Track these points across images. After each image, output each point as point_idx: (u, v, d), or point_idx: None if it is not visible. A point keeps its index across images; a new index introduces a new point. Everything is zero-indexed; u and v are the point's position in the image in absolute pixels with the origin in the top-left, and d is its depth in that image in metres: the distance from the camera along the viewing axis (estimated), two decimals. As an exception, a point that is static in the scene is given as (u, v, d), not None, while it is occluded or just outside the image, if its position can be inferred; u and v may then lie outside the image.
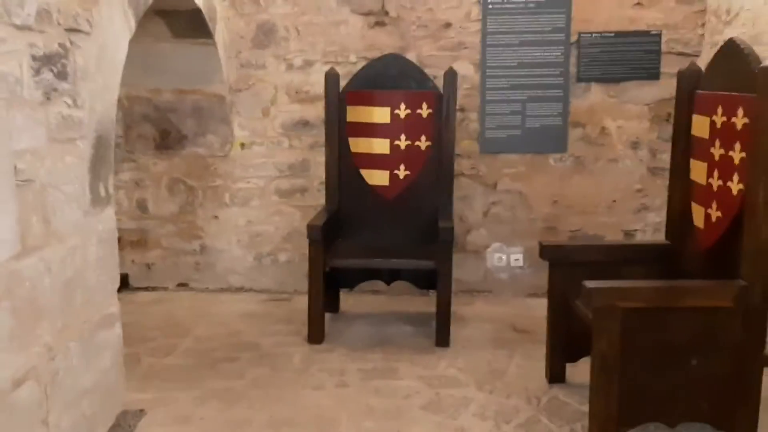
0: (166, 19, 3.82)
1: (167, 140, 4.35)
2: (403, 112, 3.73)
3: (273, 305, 4.18)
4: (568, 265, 2.86)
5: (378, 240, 3.77)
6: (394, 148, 3.74)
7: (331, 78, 3.75)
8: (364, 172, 3.78)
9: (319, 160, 4.10)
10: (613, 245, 3.55)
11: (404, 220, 3.80)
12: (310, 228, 3.35)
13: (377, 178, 3.78)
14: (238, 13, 4.20)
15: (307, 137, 4.30)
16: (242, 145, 4.35)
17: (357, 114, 3.75)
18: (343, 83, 3.78)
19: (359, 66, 3.90)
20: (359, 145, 3.77)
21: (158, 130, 4.34)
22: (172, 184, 4.42)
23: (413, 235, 3.76)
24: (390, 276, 3.77)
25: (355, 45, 4.18)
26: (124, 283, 4.44)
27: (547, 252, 2.93)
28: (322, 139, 3.91)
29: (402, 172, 3.76)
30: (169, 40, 3.97)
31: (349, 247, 3.65)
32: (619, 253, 3.01)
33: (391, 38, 4.15)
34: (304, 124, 4.29)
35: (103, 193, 2.56)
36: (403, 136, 3.74)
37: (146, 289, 4.51)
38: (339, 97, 3.75)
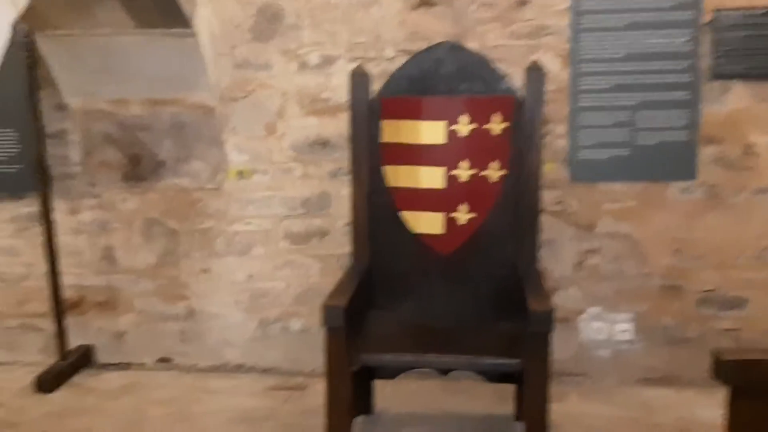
0: (124, 1, 2.69)
1: (138, 168, 3.22)
2: (464, 127, 2.53)
3: (280, 398, 3.00)
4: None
5: (429, 314, 2.57)
6: (451, 180, 2.54)
7: (359, 79, 2.56)
8: (407, 216, 2.58)
9: (343, 193, 2.93)
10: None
11: (467, 285, 2.59)
12: (329, 310, 2.15)
13: (426, 223, 2.58)
14: (230, -8, 3.05)
15: (327, 162, 3.13)
16: (240, 173, 3.19)
17: (396, 131, 2.56)
18: (376, 87, 2.59)
19: (398, 63, 2.69)
20: (399, 175, 2.58)
21: (126, 155, 3.21)
22: (148, 226, 3.29)
23: (481, 308, 2.55)
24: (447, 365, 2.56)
25: (392, 34, 3.00)
26: (88, 359, 3.33)
27: (728, 371, 1.68)
28: (346, 163, 2.72)
29: (463, 215, 2.56)
30: (132, 32, 2.84)
31: (386, 331, 2.45)
32: None
33: (442, 23, 2.96)
34: (323, 144, 3.12)
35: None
36: (464, 163, 2.54)
37: (117, 365, 3.38)
38: (370, 107, 2.56)
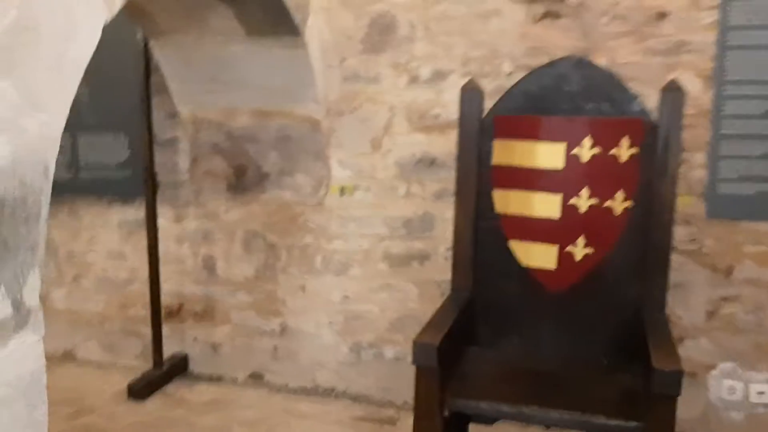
0: (236, 9, 2.64)
1: (243, 180, 3.17)
2: (587, 151, 2.26)
3: (369, 430, 2.83)
4: None
5: (534, 356, 2.32)
6: (568, 210, 2.28)
7: (470, 95, 2.36)
8: (516, 246, 2.34)
9: (447, 216, 2.73)
10: None
11: (580, 327, 2.31)
12: (421, 348, 1.96)
13: (538, 256, 2.33)
14: (344, 2, 2.94)
15: (433, 182, 2.94)
16: (342, 189, 3.07)
17: (509, 152, 2.34)
18: (490, 104, 2.38)
19: (515, 79, 2.46)
20: (510, 201, 2.35)
21: (232, 165, 3.17)
22: (249, 239, 3.23)
23: (595, 356, 2.27)
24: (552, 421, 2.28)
25: (511, 47, 2.78)
26: (183, 368, 3.30)
27: None
28: (453, 184, 2.51)
29: (580, 250, 2.28)
30: (242, 40, 2.80)
31: (484, 373, 2.22)
32: None
33: (568, 36, 2.71)
34: (430, 162, 2.95)
35: (10, 309, 1.33)
36: (585, 191, 2.27)
37: (210, 378, 3.34)
38: (481, 125, 2.35)
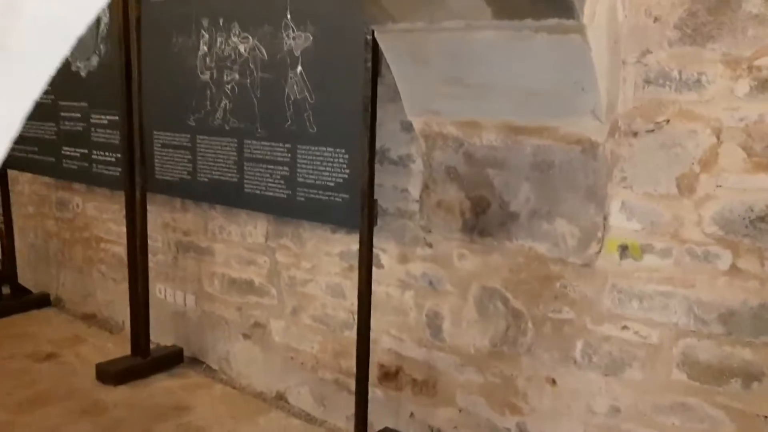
0: (477, -23, 1.79)
1: (483, 218, 2.31)
2: None
3: None
4: None
5: None
6: None
7: None
8: None
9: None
10: None
11: None
12: None
13: None
14: (651, -37, 1.90)
15: (783, 257, 1.76)
16: (624, 248, 2.04)
17: None
18: None
19: None
20: None
21: (470, 197, 2.33)
22: (485, 298, 2.38)
23: None
24: None
25: None
26: (394, 446, 2.58)
27: None
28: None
29: None
30: (490, 26, 1.94)
31: None
32: None
33: None
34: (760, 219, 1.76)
35: None
36: None
37: (423, 467, 2.57)
38: None
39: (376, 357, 2.68)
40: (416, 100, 2.31)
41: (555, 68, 1.95)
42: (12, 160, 4.11)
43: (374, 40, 2.29)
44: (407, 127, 2.50)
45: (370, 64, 2.32)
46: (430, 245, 2.50)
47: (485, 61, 2.04)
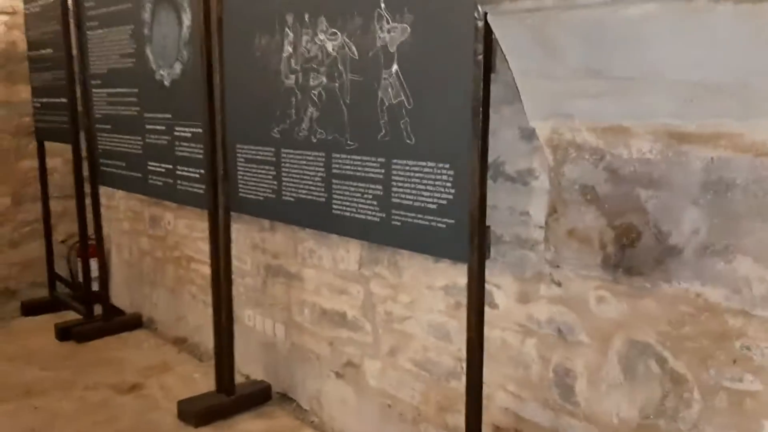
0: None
1: (631, 252, 1.77)
2: None
3: None
4: None
5: None
6: None
7: None
8: None
9: None
10: None
11: None
12: None
13: None
14: None
15: None
16: (843, 300, 1.45)
17: None
18: None
19: None
20: None
21: (613, 225, 1.80)
22: (634, 355, 1.83)
23: None
24: None
25: None
26: None
27: None
28: None
29: None
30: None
31: None
32: None
33: None
34: None
35: None
36: None
37: None
38: None
39: (490, 417, 2.19)
40: (541, 100, 1.80)
41: (742, 51, 1.40)
42: (104, 175, 3.95)
43: (487, 25, 1.81)
44: (528, 134, 2.00)
45: (481, 57, 1.84)
46: (559, 284, 1.99)
47: (637, 46, 1.52)
